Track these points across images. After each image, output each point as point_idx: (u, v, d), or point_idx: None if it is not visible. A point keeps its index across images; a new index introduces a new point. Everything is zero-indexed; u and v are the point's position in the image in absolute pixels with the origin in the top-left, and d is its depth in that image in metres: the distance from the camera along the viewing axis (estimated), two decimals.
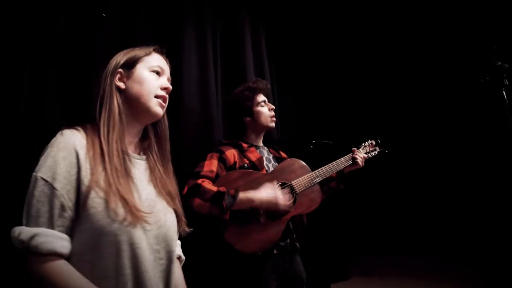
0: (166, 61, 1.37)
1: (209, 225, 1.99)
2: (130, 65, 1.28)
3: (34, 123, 1.83)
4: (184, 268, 2.19)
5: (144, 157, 1.30)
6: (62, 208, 1.03)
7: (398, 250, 4.65)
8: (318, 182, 2.23)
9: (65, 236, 1.04)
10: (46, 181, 1.03)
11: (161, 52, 1.37)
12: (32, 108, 1.86)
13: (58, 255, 1.02)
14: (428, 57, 3.71)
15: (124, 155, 1.18)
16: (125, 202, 1.07)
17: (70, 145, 1.10)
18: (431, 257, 4.45)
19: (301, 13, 3.62)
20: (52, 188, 1.03)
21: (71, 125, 1.17)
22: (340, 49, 3.74)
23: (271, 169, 2.24)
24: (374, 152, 2.51)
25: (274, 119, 2.36)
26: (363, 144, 2.51)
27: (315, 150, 2.60)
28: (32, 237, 0.99)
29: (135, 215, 1.08)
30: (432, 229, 4.45)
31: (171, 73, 1.38)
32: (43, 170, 1.05)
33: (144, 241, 1.11)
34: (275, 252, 2.07)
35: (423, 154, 4.32)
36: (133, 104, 1.25)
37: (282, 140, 3.14)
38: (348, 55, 3.73)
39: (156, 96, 1.27)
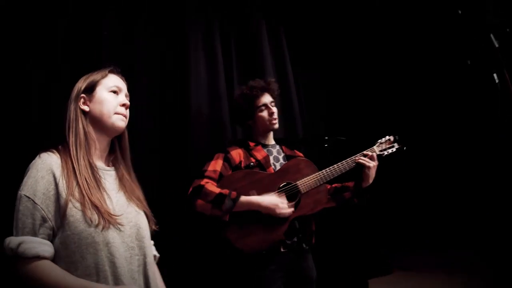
0: (122, 79, 1.52)
1: (211, 223, 2.05)
2: (90, 89, 1.43)
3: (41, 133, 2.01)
4: (188, 266, 2.30)
5: (112, 168, 1.47)
6: (43, 219, 1.22)
7: (440, 244, 4.44)
8: (326, 182, 2.19)
9: (47, 242, 1.22)
10: (28, 197, 1.22)
11: (116, 72, 1.52)
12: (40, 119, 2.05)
13: (41, 258, 1.19)
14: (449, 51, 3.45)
15: (93, 169, 1.34)
16: (98, 209, 1.25)
17: (47, 166, 1.28)
18: (471, 251, 4.20)
19: (320, 9, 3.53)
20: (33, 203, 1.21)
21: (47, 148, 1.35)
22: (357, 44, 3.60)
23: (278, 168, 2.23)
24: (392, 149, 2.34)
25: (275, 121, 2.31)
26: (379, 141, 2.36)
27: (330, 147, 2.54)
28: (19, 244, 1.18)
29: (107, 219, 1.26)
30: (474, 223, 4.19)
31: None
32: (25, 189, 1.24)
33: (118, 240, 1.28)
34: (282, 250, 2.08)
35: (451, 147, 4.02)
36: (98, 122, 1.41)
37: (295, 138, 3.11)
38: (365, 50, 3.58)
39: (116, 113, 1.42)
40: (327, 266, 2.77)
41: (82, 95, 1.42)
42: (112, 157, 1.50)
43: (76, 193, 1.25)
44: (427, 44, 3.32)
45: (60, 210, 1.23)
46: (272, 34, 3.29)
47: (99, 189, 1.32)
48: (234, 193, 2.03)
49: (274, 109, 2.32)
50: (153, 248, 1.58)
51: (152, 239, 1.52)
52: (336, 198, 2.29)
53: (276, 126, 2.33)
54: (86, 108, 1.41)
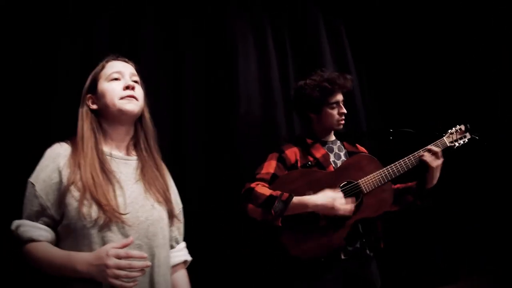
0: (125, 61, 1.48)
1: (265, 229, 1.92)
2: (94, 86, 1.42)
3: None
4: (237, 274, 2.25)
5: (134, 157, 1.42)
6: (41, 206, 1.24)
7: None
8: (391, 180, 1.99)
9: (44, 227, 1.24)
10: (33, 184, 1.26)
11: (116, 58, 1.47)
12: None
13: (36, 242, 1.22)
14: None
15: (102, 161, 1.31)
16: (100, 204, 1.20)
17: (54, 154, 1.31)
18: None
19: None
20: (35, 190, 1.25)
21: (64, 139, 1.38)
22: (422, 28, 3.28)
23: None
24: (464, 140, 2.11)
25: (342, 122, 2.13)
26: (449, 131, 2.12)
27: (396, 140, 2.31)
28: (17, 227, 1.24)
29: (110, 216, 1.20)
30: None
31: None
32: (32, 176, 1.28)
33: (120, 237, 1.22)
34: (342, 257, 1.91)
35: None
36: (107, 115, 1.38)
37: (358, 132, 2.88)
38: (431, 33, 3.26)
39: (121, 98, 1.37)
40: (392, 274, 2.54)
41: (89, 95, 1.42)
42: (136, 143, 1.45)
43: (79, 184, 1.23)
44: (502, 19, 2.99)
45: (61, 199, 1.23)
46: (329, 27, 3.09)
47: (109, 182, 1.28)
48: (286, 194, 1.85)
49: (345, 110, 2.14)
50: (184, 252, 1.53)
51: (185, 240, 1.50)
52: (398, 201, 2.08)
53: (341, 127, 2.16)
54: (95, 106, 1.40)
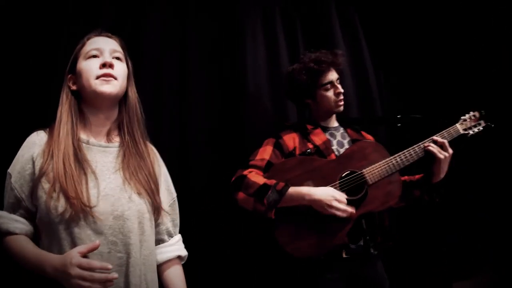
0: (107, 36, 1.36)
1: (259, 221, 1.74)
2: (73, 66, 1.31)
3: None
4: (232, 269, 2.12)
5: (116, 144, 1.31)
6: (16, 198, 1.19)
7: None
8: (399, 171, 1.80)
9: (21, 219, 1.19)
10: (10, 175, 1.22)
11: (97, 34, 1.35)
12: None
13: (13, 234, 1.18)
14: None
15: (77, 148, 1.21)
16: (68, 196, 1.12)
17: (30, 144, 1.25)
18: None
19: None
20: (10, 181, 1.21)
21: (43, 127, 1.30)
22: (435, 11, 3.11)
23: None
24: (478, 128, 1.92)
25: (341, 103, 1.94)
26: (463, 117, 1.93)
27: (406, 128, 2.12)
28: None
29: (75, 208, 1.11)
30: None
31: None
32: (10, 167, 1.24)
33: (89, 232, 1.13)
34: (344, 256, 1.73)
35: None
36: (85, 95, 1.28)
37: (363, 119, 2.67)
38: (447, 22, 3.09)
39: (98, 77, 1.25)
40: (401, 274, 2.36)
41: (69, 75, 1.32)
42: (118, 128, 1.34)
43: (50, 175, 1.16)
44: None
45: (33, 190, 1.18)
46: (342, 13, 2.92)
47: (83, 172, 1.19)
48: (281, 184, 1.68)
49: (341, 88, 1.94)
50: (178, 246, 1.40)
51: (181, 233, 1.42)
52: (404, 196, 1.89)
53: (342, 108, 1.96)
54: (74, 87, 1.30)
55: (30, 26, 2.01)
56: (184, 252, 1.41)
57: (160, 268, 1.34)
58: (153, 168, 1.34)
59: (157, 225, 1.33)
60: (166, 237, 1.37)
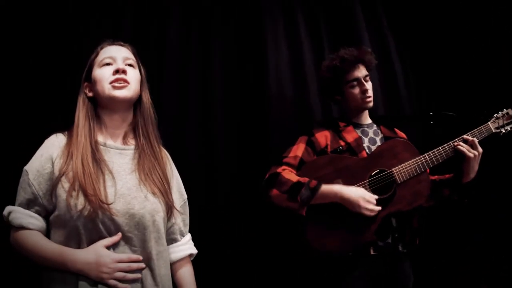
0: (119, 44, 1.43)
1: (288, 218, 1.80)
2: (89, 74, 1.39)
3: None
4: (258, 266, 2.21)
5: (132, 146, 1.38)
6: (33, 195, 1.23)
7: None
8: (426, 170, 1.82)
9: (35, 215, 1.24)
10: (27, 172, 1.26)
11: (110, 43, 1.43)
12: None
13: (26, 229, 1.22)
14: None
15: (95, 150, 1.27)
16: (87, 194, 1.17)
17: (50, 145, 1.31)
18: None
19: None
20: (28, 178, 1.25)
21: (62, 130, 1.37)
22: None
23: None
24: (511, 126, 1.91)
25: (369, 99, 1.95)
26: (495, 115, 1.92)
27: (438, 125, 2.10)
28: (9, 213, 1.25)
29: (95, 206, 1.17)
30: None
31: None
32: (28, 165, 1.29)
33: (109, 228, 1.19)
34: (371, 253, 1.77)
35: None
36: (101, 101, 1.35)
37: (397, 116, 2.66)
38: (477, 16, 2.97)
39: (111, 82, 1.32)
40: (426, 273, 2.37)
41: (85, 83, 1.40)
42: (134, 131, 1.41)
43: (70, 175, 1.22)
44: None
45: (52, 190, 1.23)
46: (367, 8, 2.91)
47: (101, 171, 1.25)
48: (314, 182, 1.74)
49: (368, 85, 1.97)
50: (189, 245, 1.47)
51: (191, 231, 1.48)
52: (433, 195, 1.91)
53: (370, 104, 1.98)
54: (91, 94, 1.38)
55: (56, 34, 2.14)
56: (195, 250, 1.47)
57: (174, 266, 1.40)
58: (165, 170, 1.41)
59: (170, 225, 1.40)
60: (178, 237, 1.43)
